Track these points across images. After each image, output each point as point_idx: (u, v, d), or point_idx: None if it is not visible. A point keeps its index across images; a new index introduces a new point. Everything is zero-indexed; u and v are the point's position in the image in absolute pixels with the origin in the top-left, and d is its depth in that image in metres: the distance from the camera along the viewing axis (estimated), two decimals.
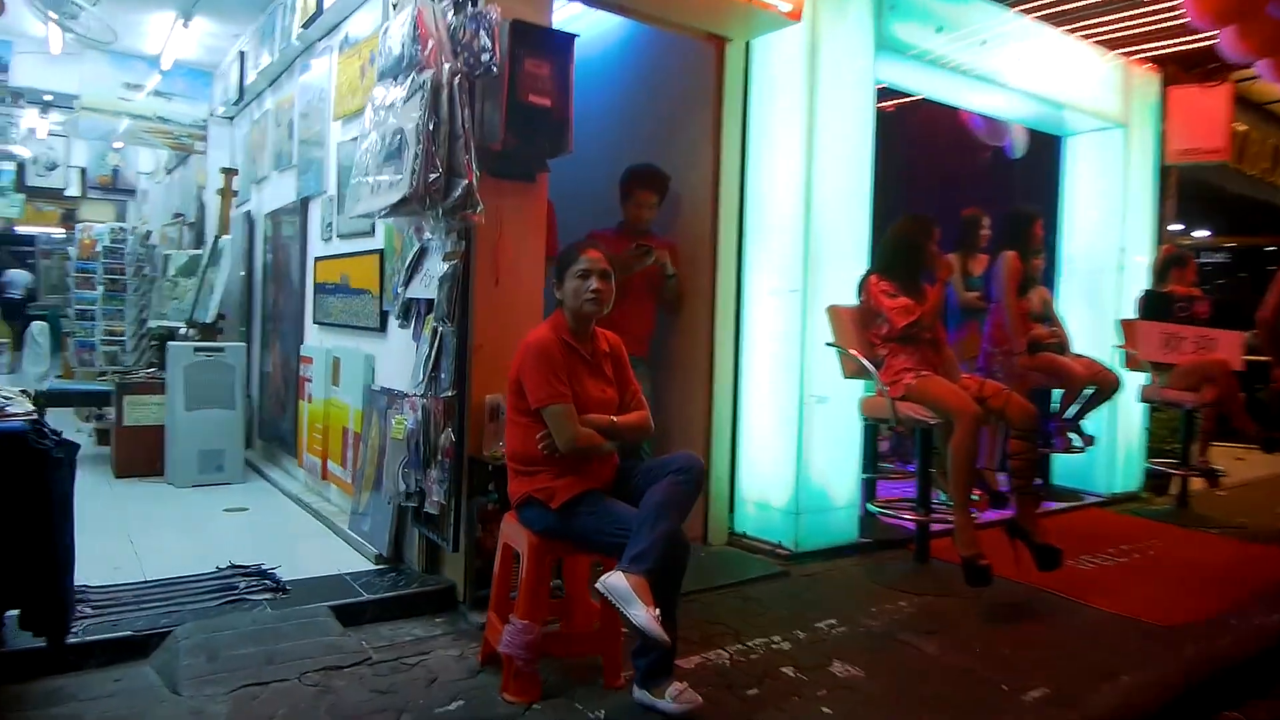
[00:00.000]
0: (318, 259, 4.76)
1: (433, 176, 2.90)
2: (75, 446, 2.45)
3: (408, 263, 3.34)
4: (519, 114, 3.05)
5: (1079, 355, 4.98)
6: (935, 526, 3.93)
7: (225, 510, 4.48)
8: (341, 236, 4.38)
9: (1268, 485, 6.24)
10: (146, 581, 3.24)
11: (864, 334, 3.91)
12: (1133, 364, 5.27)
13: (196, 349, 5.17)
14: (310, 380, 4.75)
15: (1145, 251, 5.81)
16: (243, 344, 5.69)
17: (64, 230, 11.29)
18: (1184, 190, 6.39)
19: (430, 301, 3.20)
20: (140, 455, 5.11)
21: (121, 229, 7.67)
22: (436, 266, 3.14)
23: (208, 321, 5.78)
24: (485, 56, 2.96)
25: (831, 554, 4.04)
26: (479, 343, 3.15)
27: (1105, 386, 4.87)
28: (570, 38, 3.21)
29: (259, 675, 2.56)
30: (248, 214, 6.17)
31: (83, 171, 11.71)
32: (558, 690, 2.58)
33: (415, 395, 3.23)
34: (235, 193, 6.38)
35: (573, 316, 2.65)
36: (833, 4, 4.00)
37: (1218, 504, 5.47)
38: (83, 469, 5.05)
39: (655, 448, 3.76)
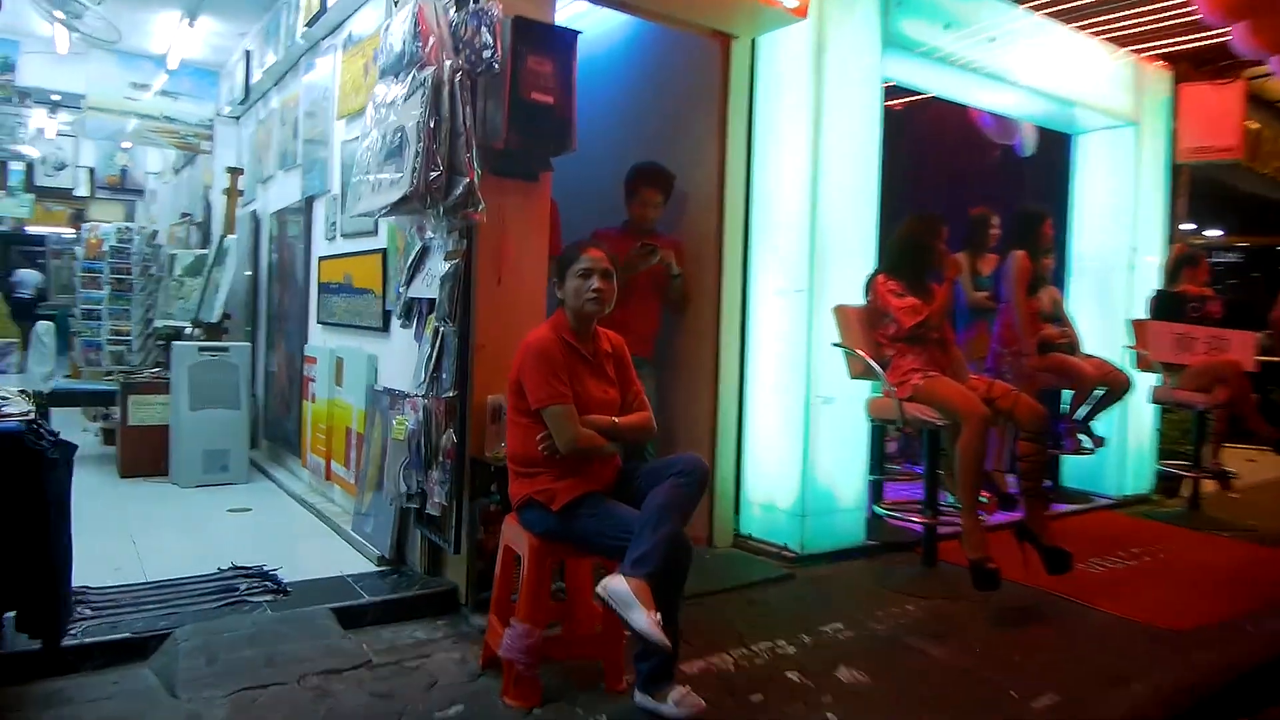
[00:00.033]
0: (322, 258, 4.75)
1: (434, 175, 2.87)
2: (72, 447, 2.44)
3: (410, 262, 3.32)
4: (521, 112, 3.03)
5: (1089, 356, 4.94)
6: (943, 529, 3.87)
7: (229, 511, 4.47)
8: (345, 236, 4.37)
9: None
10: (146, 583, 3.23)
11: (871, 334, 3.87)
12: (1144, 364, 5.21)
13: (201, 349, 5.17)
14: (314, 380, 4.74)
15: (1156, 251, 5.75)
16: (248, 344, 5.68)
17: (74, 230, 11.31)
18: (1196, 189, 6.32)
19: (432, 301, 3.18)
20: (145, 455, 5.11)
21: (128, 229, 7.70)
22: (438, 266, 3.12)
23: (213, 321, 5.78)
24: (487, 53, 2.93)
25: (838, 557, 4.01)
26: (481, 342, 3.13)
27: (1116, 387, 4.83)
28: (573, 34, 3.19)
29: (258, 678, 2.54)
30: (253, 213, 6.18)
31: (91, 171, 11.76)
32: (559, 694, 2.55)
33: (416, 395, 3.21)
34: (241, 192, 6.37)
35: (574, 316, 2.62)
36: (840, 1, 3.96)
37: (1230, 506, 5.40)
38: (88, 469, 5.09)
39: (660, 448, 3.73)
